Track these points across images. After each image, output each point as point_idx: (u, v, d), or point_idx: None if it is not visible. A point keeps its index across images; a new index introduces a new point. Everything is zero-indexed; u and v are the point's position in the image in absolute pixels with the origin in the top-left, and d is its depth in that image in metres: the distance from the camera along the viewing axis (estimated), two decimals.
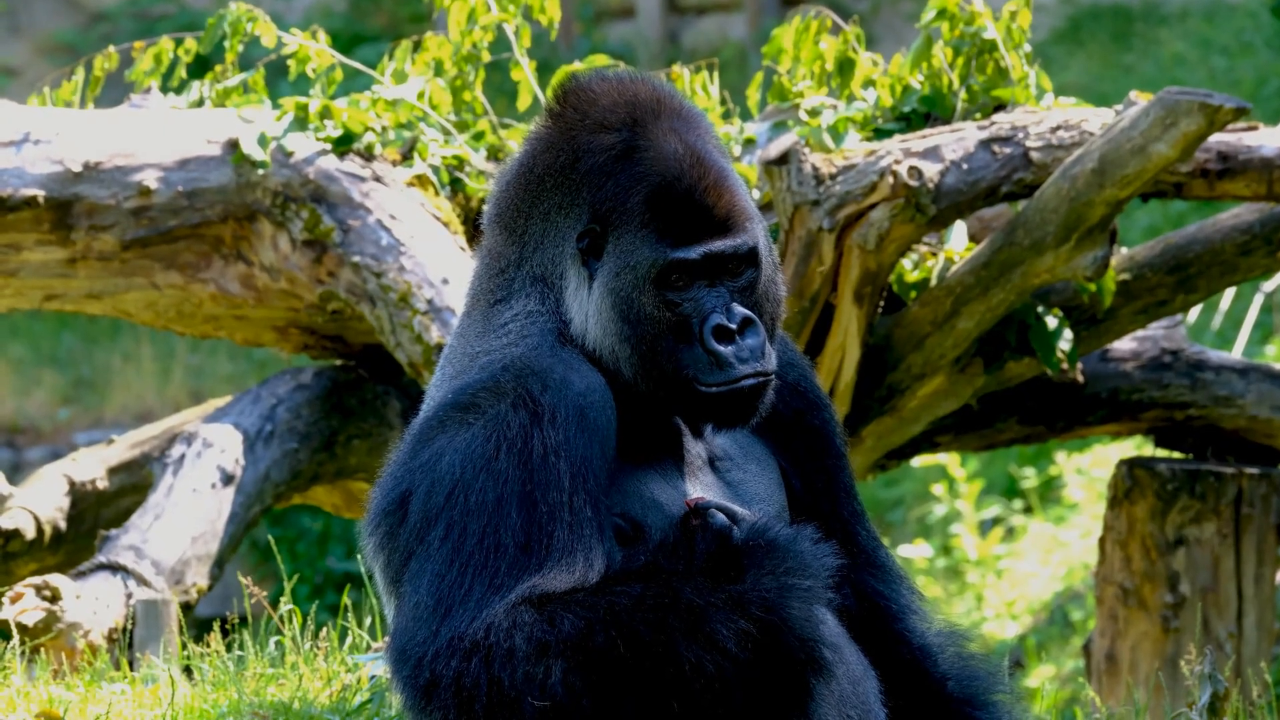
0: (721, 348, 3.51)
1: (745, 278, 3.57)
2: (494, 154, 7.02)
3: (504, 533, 3.34)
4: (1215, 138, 6.47)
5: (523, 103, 7.08)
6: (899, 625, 3.75)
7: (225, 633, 5.41)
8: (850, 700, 3.50)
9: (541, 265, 3.61)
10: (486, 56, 7.09)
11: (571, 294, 3.57)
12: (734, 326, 3.52)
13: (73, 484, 7.13)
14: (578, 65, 7.04)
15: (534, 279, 3.61)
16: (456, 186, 6.93)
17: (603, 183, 3.56)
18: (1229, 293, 12.11)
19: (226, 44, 7.09)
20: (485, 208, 3.74)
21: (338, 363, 7.36)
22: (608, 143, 3.57)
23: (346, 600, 5.64)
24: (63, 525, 7.06)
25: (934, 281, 6.68)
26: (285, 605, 5.35)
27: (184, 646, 5.62)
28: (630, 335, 3.53)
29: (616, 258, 3.54)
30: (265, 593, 5.50)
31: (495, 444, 3.37)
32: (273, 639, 5.36)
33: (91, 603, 6.23)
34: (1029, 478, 13.37)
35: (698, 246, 3.53)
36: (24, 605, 6.07)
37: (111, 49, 7.32)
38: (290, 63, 7.11)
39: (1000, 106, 6.75)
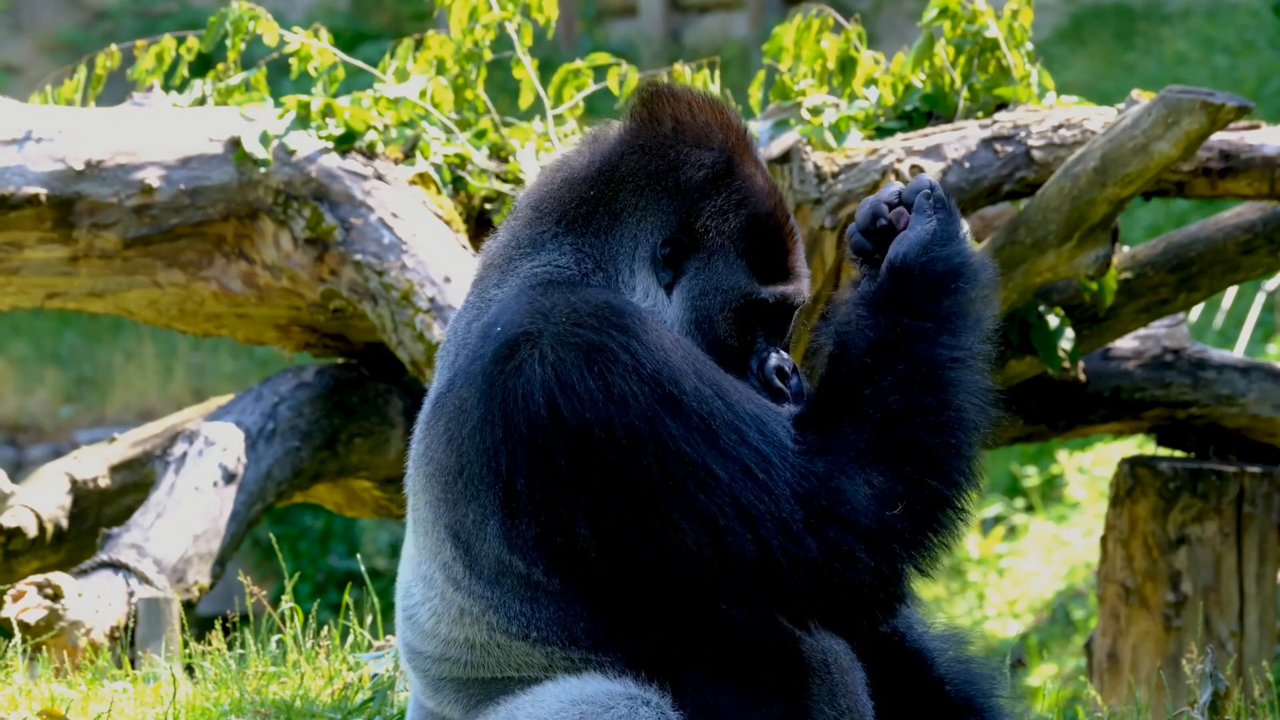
0: (784, 387, 3.55)
1: (788, 328, 3.65)
2: (496, 152, 7.02)
3: (733, 411, 3.33)
4: (1217, 136, 6.47)
5: (524, 101, 7.08)
6: (893, 629, 3.74)
7: (227, 631, 5.41)
8: (841, 688, 3.51)
9: (596, 253, 3.58)
10: (488, 55, 7.09)
11: (638, 296, 3.57)
12: (789, 370, 3.58)
13: (74, 482, 7.13)
14: (579, 64, 7.05)
15: (579, 251, 3.58)
16: (458, 185, 6.93)
17: (698, 200, 3.58)
18: (1231, 291, 12.11)
19: (228, 42, 7.09)
20: (531, 189, 3.68)
21: (339, 361, 7.36)
22: (707, 160, 3.59)
23: (348, 599, 5.64)
24: (64, 523, 7.06)
25: None
26: (286, 603, 5.35)
27: (186, 645, 5.62)
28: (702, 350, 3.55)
29: (706, 277, 3.57)
30: (266, 591, 5.51)
31: (606, 369, 3.34)
32: (274, 637, 5.36)
33: (93, 601, 6.23)
34: (1030, 476, 13.37)
35: (780, 288, 3.59)
36: (26, 603, 6.07)
37: (114, 47, 7.32)
38: (292, 61, 7.11)
39: (1002, 105, 6.75)
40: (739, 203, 3.57)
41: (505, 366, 3.36)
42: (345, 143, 6.85)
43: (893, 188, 3.51)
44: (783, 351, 3.60)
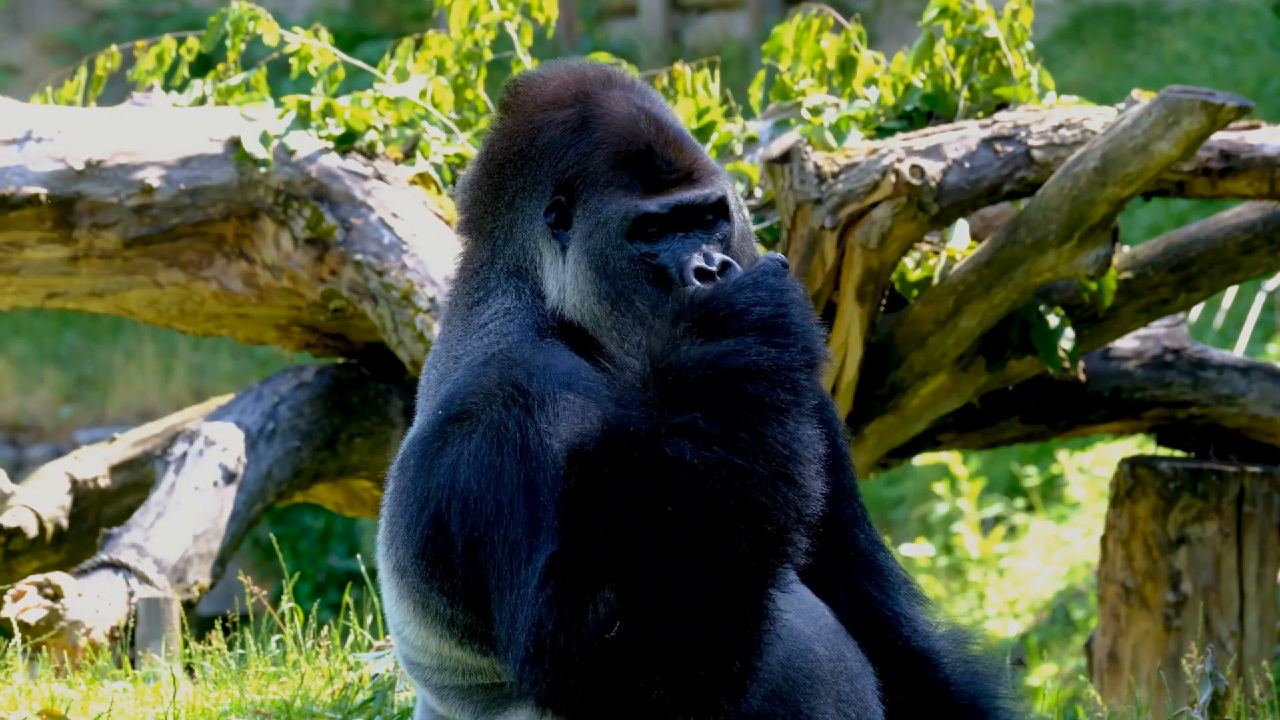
0: (706, 286, 3.40)
1: (719, 230, 3.52)
2: None
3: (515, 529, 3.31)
4: (1217, 136, 6.47)
5: None
6: (897, 631, 3.71)
7: (227, 631, 5.41)
8: (849, 698, 3.47)
9: (514, 256, 3.58)
10: (488, 55, 7.10)
11: (547, 271, 3.54)
12: (714, 269, 3.45)
13: (75, 482, 7.13)
14: None
15: (509, 272, 3.57)
16: None
17: (562, 154, 3.54)
18: (1231, 291, 12.12)
19: (229, 42, 7.09)
20: (456, 217, 3.72)
21: (340, 361, 7.36)
22: (562, 117, 3.55)
23: (348, 598, 5.65)
24: (65, 523, 7.06)
25: (936, 280, 6.68)
26: (287, 603, 5.35)
27: (186, 645, 5.62)
28: (609, 291, 3.48)
29: (587, 219, 3.51)
30: (266, 591, 5.51)
31: (498, 448, 3.35)
32: (274, 637, 5.36)
33: (93, 601, 6.23)
34: (1031, 476, 13.38)
35: (666, 197, 3.50)
36: (26, 603, 6.07)
37: (114, 47, 7.32)
38: (292, 61, 7.12)
39: (1002, 105, 6.75)
40: (600, 139, 3.52)
41: (438, 434, 3.43)
42: (345, 143, 6.85)
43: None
44: (707, 248, 3.50)
